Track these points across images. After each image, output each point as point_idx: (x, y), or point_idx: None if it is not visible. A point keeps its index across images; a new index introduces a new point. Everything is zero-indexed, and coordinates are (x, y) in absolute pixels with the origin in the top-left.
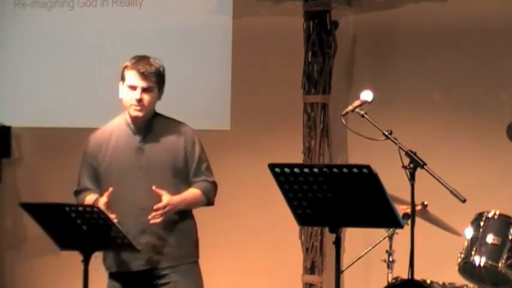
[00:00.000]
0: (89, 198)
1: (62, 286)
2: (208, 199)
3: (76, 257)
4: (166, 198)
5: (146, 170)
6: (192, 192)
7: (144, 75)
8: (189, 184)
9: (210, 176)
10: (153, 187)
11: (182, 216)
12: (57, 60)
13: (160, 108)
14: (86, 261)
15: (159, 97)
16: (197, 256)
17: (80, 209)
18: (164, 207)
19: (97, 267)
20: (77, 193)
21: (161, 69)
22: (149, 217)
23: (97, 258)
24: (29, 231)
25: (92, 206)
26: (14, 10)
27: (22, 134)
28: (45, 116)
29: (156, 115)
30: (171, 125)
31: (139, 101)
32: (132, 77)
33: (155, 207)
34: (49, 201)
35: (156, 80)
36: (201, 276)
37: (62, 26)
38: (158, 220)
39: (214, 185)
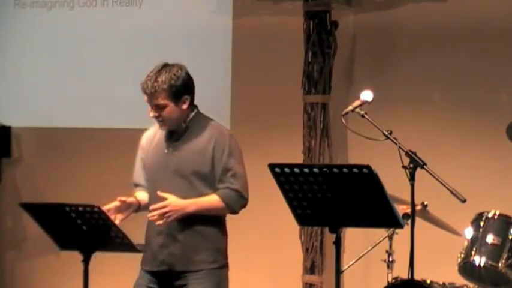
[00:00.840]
0: (136, 195)
1: (62, 286)
2: (229, 207)
3: (76, 257)
4: (169, 199)
5: (173, 171)
6: (209, 198)
7: (150, 95)
8: (216, 190)
9: (234, 184)
10: (158, 192)
11: (203, 221)
12: (57, 60)
13: None
14: (86, 261)
15: (182, 106)
16: (219, 262)
17: (80, 209)
18: (162, 207)
19: (97, 267)
20: (134, 185)
21: (172, 81)
22: (148, 216)
23: (97, 258)
24: (29, 231)
25: (92, 206)
26: (14, 10)
27: (22, 134)
28: (45, 116)
29: (196, 116)
30: (207, 127)
31: (157, 117)
32: (144, 95)
33: (151, 207)
34: (49, 201)
35: (168, 95)
36: (223, 283)
37: (62, 26)
38: (160, 222)
39: (237, 192)
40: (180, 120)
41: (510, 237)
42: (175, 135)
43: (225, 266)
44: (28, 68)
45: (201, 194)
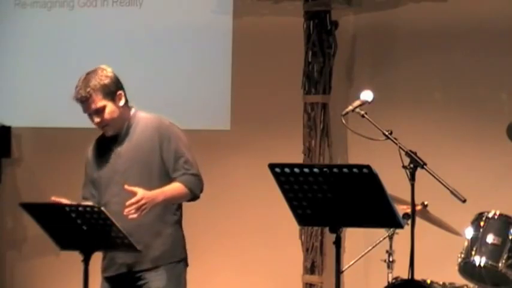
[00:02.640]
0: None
1: (62, 286)
2: (191, 191)
3: (76, 257)
4: (140, 192)
5: (122, 173)
6: (173, 186)
7: (86, 101)
8: (171, 182)
9: (190, 169)
10: (125, 186)
11: (158, 219)
12: (57, 60)
13: (161, 108)
14: (86, 261)
15: (119, 103)
16: (177, 256)
17: (80, 209)
18: (138, 201)
19: (97, 267)
20: (82, 199)
21: (102, 82)
22: (124, 212)
23: (97, 257)
24: (29, 231)
25: (92, 206)
26: (14, 10)
27: (22, 134)
28: (45, 116)
29: (135, 114)
30: (147, 123)
31: (100, 123)
32: (80, 106)
33: (127, 203)
34: (49, 202)
35: (103, 95)
36: (178, 276)
37: (62, 26)
38: (135, 216)
39: (195, 177)
40: (122, 120)
41: (510, 237)
42: (119, 138)
43: (182, 260)
44: (28, 68)
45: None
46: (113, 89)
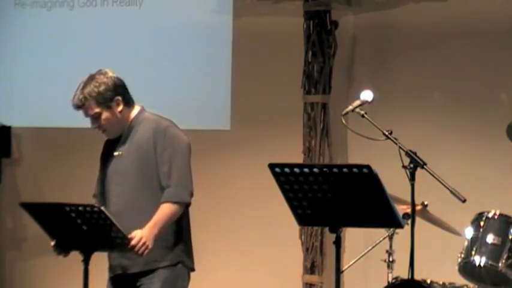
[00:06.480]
0: None
1: (62, 286)
2: (180, 203)
3: (76, 257)
4: (138, 234)
5: (122, 174)
6: (161, 210)
7: (80, 108)
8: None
9: (169, 179)
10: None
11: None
12: (57, 60)
13: (161, 107)
14: (86, 261)
15: (116, 109)
16: (170, 260)
17: (80, 209)
18: (139, 241)
19: (97, 267)
20: (92, 196)
21: (96, 89)
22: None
23: (97, 258)
24: (29, 231)
25: (92, 206)
26: (14, 10)
27: (22, 134)
28: (45, 116)
29: (139, 114)
30: (148, 125)
31: (98, 128)
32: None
33: (130, 246)
34: (49, 201)
35: (97, 103)
36: (175, 279)
37: (62, 26)
38: (146, 251)
39: (176, 187)
40: (122, 124)
41: (510, 237)
42: (121, 139)
43: (178, 263)
44: (28, 67)
45: (151, 193)
46: (109, 96)
